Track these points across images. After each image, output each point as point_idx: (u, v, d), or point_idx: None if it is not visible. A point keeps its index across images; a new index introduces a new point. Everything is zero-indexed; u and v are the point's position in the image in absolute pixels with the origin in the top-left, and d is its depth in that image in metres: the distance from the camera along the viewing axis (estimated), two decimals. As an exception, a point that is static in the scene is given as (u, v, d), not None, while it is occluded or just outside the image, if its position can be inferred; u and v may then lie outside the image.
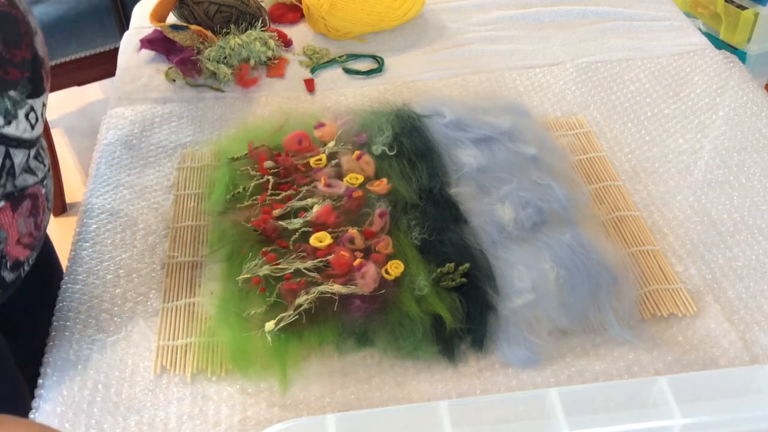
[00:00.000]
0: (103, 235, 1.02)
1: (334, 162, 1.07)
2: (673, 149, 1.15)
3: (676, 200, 1.06)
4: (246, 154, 1.10)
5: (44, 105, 0.81)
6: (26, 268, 0.86)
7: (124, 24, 2.22)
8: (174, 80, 1.32)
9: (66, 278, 0.97)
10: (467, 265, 0.90)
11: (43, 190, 0.86)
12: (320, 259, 0.92)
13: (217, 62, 1.31)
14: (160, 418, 0.81)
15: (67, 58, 2.03)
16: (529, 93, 1.28)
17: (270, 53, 1.35)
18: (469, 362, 0.86)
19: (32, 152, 0.81)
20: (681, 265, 0.97)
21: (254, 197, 1.03)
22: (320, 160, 1.07)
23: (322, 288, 0.88)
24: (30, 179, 0.83)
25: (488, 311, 0.87)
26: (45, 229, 0.89)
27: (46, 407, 0.82)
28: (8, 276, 0.83)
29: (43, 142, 0.89)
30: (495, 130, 1.10)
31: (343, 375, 0.85)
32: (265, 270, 0.92)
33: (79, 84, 2.14)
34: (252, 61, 1.33)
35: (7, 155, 0.76)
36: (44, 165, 0.87)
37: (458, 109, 1.14)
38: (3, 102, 0.74)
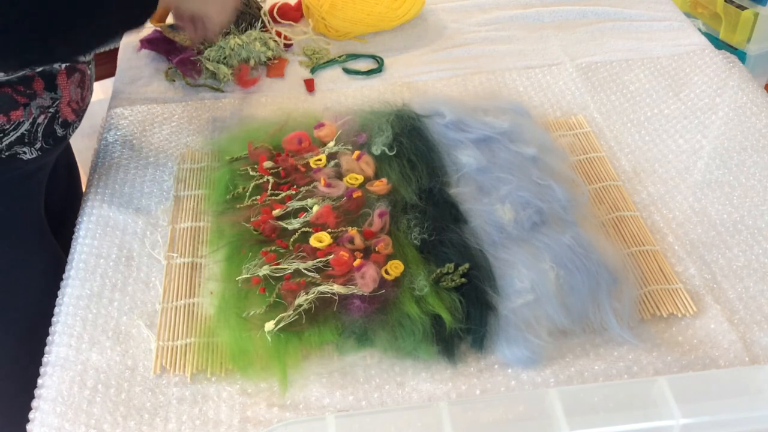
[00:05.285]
0: (102, 235, 1.02)
1: (333, 162, 1.07)
2: (673, 149, 1.15)
3: (676, 200, 1.06)
4: (246, 154, 1.10)
5: None
6: (71, 131, 1.04)
7: (124, 24, 2.22)
8: (174, 80, 1.32)
9: (66, 276, 0.97)
10: (467, 265, 0.90)
11: (88, 72, 1.06)
12: (320, 260, 0.92)
13: (217, 62, 1.31)
14: (160, 418, 0.81)
15: (67, 58, 2.03)
16: (529, 93, 1.28)
17: (270, 53, 1.35)
18: (468, 362, 0.85)
19: None
20: (681, 265, 0.96)
21: (254, 197, 1.03)
22: (320, 160, 1.07)
23: (321, 288, 0.88)
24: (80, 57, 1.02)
25: (488, 311, 0.87)
26: (87, 105, 1.07)
27: (46, 407, 0.82)
28: (59, 131, 1.00)
29: None
30: (495, 130, 1.10)
31: (343, 375, 0.85)
32: (264, 270, 0.92)
33: (79, 84, 2.14)
34: (252, 62, 1.33)
35: None
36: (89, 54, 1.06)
37: (458, 109, 1.13)
38: None
